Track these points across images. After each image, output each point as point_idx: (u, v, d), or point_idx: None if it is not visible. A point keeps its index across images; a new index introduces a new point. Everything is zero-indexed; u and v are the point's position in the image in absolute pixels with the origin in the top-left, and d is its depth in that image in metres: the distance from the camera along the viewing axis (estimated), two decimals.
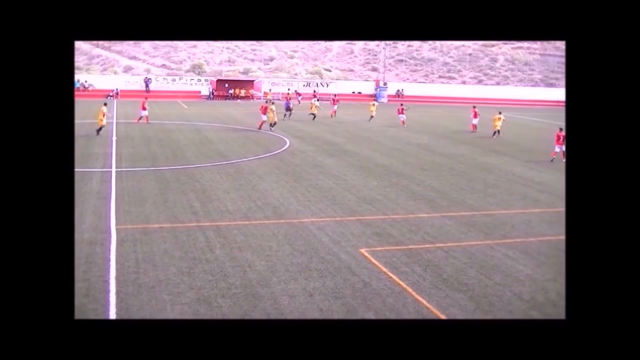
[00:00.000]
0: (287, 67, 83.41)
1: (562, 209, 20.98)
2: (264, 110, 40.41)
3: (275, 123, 40.13)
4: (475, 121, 44.17)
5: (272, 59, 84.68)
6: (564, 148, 31.30)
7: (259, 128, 39.97)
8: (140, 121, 41.10)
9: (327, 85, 73.13)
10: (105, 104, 37.24)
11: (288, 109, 48.24)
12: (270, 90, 67.25)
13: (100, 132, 34.86)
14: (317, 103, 49.27)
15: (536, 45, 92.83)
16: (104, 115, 35.40)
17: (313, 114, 47.20)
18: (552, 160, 31.33)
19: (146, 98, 44.49)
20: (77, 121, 39.85)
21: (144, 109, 41.54)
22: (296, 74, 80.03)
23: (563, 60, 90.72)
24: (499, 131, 40.62)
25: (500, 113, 41.53)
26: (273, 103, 42.44)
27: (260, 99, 66.20)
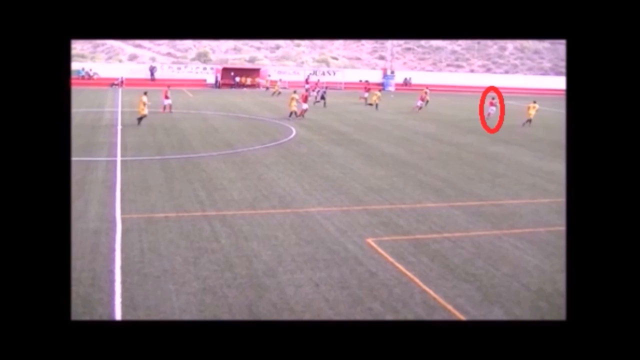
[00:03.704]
0: (293, 55, 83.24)
1: None
2: (305, 99, 41.15)
3: (294, 113, 40.00)
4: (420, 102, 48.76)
5: (278, 47, 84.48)
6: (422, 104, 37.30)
7: (302, 115, 40.65)
8: (165, 110, 40.62)
9: (334, 73, 72.86)
10: (145, 93, 36.21)
11: (322, 97, 49.94)
12: (280, 79, 66.53)
13: (142, 122, 34.59)
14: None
15: None
16: (144, 104, 34.67)
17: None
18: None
19: (168, 86, 43.69)
20: (81, 110, 40.15)
21: (166, 97, 40.66)
22: (303, 63, 79.81)
23: None
24: (530, 120, 41.25)
25: (535, 102, 42.33)
26: (295, 92, 42.30)
27: (267, 88, 65.99)
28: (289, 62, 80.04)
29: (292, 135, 32.82)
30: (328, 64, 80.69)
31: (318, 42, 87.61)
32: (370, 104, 49.51)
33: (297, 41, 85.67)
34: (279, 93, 57.82)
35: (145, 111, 34.61)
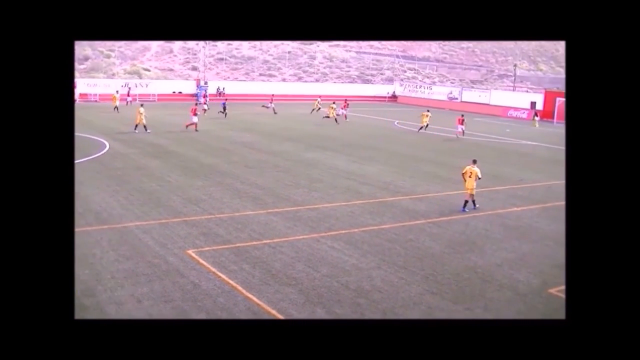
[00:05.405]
0: (103, 67, 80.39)
1: (382, 199, 22.01)
2: (194, 112, 41.00)
3: (138, 126, 38.63)
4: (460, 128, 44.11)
5: (87, 59, 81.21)
6: (464, 127, 43.44)
7: (188, 127, 40.47)
8: None
9: (147, 85, 71.33)
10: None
11: (224, 108, 50.81)
12: (129, 90, 63.64)
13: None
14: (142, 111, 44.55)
15: (352, 43, 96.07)
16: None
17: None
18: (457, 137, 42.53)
19: None
20: None
21: None
22: (114, 74, 77.42)
23: (377, 57, 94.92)
24: (427, 125, 45.99)
25: (428, 110, 48.04)
26: (142, 105, 41.14)
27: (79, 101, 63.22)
28: (99, 74, 77.23)
29: (105, 150, 31.74)
30: (140, 76, 78.81)
31: (129, 53, 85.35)
32: (328, 117, 49.74)
33: (107, 52, 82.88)
34: (116, 107, 54.91)
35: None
